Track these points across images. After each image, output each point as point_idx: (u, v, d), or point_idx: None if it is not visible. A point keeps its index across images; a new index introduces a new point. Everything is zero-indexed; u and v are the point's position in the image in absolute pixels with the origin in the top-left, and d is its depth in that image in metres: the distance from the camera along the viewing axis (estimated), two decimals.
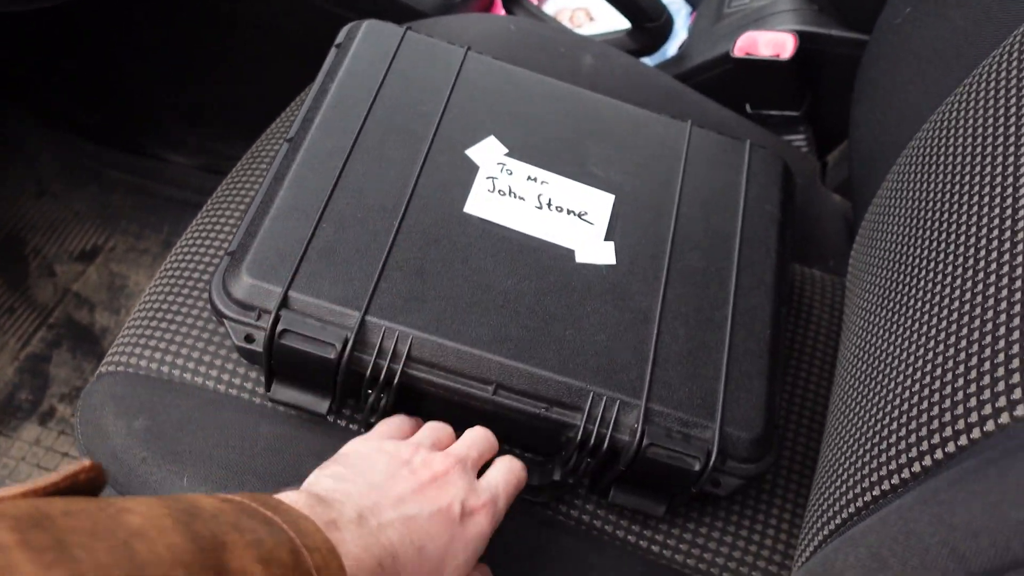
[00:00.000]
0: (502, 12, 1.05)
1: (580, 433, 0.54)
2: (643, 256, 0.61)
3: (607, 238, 0.61)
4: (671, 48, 1.09)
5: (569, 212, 0.62)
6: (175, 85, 1.20)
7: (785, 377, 0.70)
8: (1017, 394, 0.38)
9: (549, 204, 0.62)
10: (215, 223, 0.70)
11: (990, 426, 0.39)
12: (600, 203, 0.63)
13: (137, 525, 0.31)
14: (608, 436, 0.54)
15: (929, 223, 0.54)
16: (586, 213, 0.62)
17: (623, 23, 0.99)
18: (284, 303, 0.54)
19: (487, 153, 0.64)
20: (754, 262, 0.64)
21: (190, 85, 1.20)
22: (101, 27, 1.12)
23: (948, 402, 0.42)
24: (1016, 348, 0.39)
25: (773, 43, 0.92)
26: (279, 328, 0.53)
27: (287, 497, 0.40)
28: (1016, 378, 0.38)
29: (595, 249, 0.61)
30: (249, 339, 0.54)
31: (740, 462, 0.56)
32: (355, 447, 0.50)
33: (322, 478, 0.46)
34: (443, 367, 0.54)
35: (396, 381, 0.54)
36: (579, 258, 0.60)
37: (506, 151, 0.64)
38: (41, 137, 1.25)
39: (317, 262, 0.56)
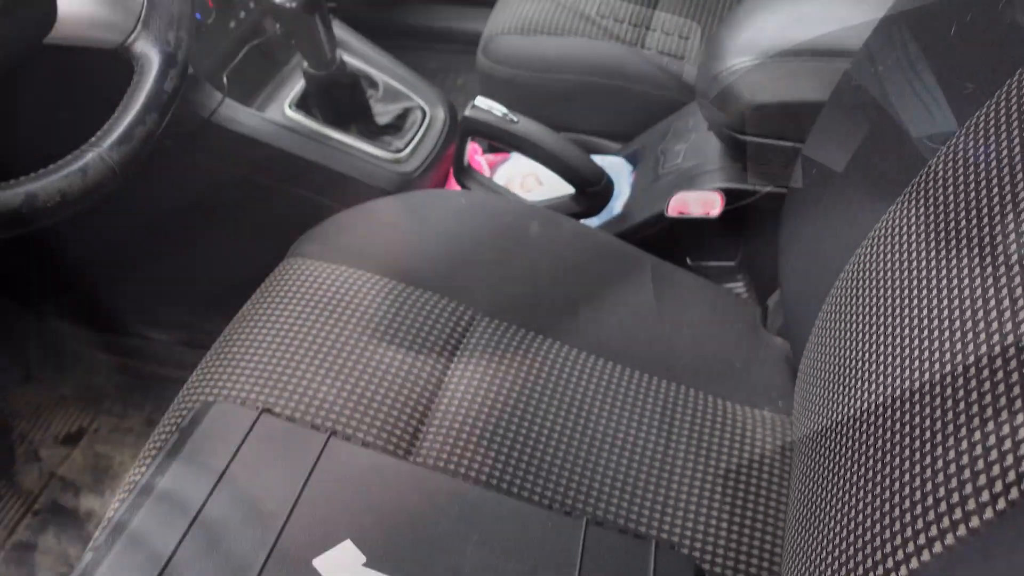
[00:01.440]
0: (455, 186, 1.15)
1: None
2: None
3: None
4: (617, 205, 1.15)
5: None
6: (150, 265, 1.20)
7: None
8: (911, 547, 0.40)
9: None
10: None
11: (903, 571, 0.41)
12: None
13: None
14: None
15: (847, 367, 0.56)
16: None
17: (569, 188, 1.06)
18: None
19: (339, 561, 0.57)
20: None
21: (165, 265, 1.19)
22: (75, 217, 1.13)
23: (863, 553, 0.44)
24: (918, 493, 0.42)
25: (702, 202, 0.99)
26: None
27: None
28: (909, 531, 0.41)
29: None
30: None
31: None
32: None
33: None
34: None
35: None
36: None
37: (364, 560, 0.58)
38: (27, 324, 1.26)
39: None
